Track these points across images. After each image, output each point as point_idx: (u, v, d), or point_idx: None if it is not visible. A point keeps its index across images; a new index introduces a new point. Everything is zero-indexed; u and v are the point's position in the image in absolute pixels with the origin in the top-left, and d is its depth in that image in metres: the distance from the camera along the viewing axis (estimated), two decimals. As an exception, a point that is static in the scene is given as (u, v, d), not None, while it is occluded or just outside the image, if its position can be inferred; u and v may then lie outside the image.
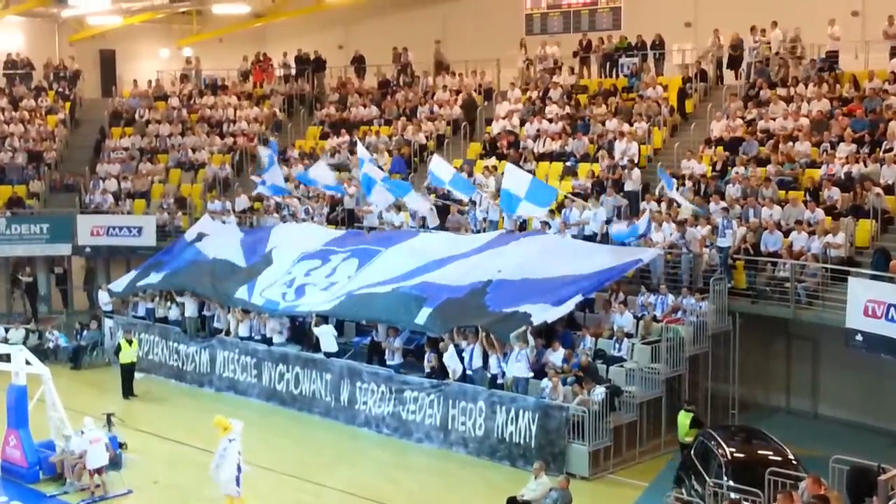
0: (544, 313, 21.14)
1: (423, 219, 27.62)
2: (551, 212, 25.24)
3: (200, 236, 30.04)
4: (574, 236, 24.70)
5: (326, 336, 24.18)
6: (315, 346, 24.58)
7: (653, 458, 20.73)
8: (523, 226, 26.17)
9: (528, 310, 21.31)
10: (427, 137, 32.93)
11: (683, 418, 19.76)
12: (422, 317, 22.34)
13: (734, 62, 30.46)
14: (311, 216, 30.20)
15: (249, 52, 40.79)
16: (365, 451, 22.09)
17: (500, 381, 21.20)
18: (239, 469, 17.50)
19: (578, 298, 21.75)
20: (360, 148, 28.91)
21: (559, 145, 29.77)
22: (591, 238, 24.66)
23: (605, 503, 18.77)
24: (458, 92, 34.88)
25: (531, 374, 20.76)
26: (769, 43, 29.31)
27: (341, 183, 30.17)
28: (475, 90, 34.74)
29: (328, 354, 24.08)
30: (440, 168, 27.12)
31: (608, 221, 24.88)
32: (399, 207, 28.43)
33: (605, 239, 24.50)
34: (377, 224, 28.72)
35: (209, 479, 19.88)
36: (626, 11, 33.45)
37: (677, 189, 24.63)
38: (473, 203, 27.39)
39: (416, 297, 22.92)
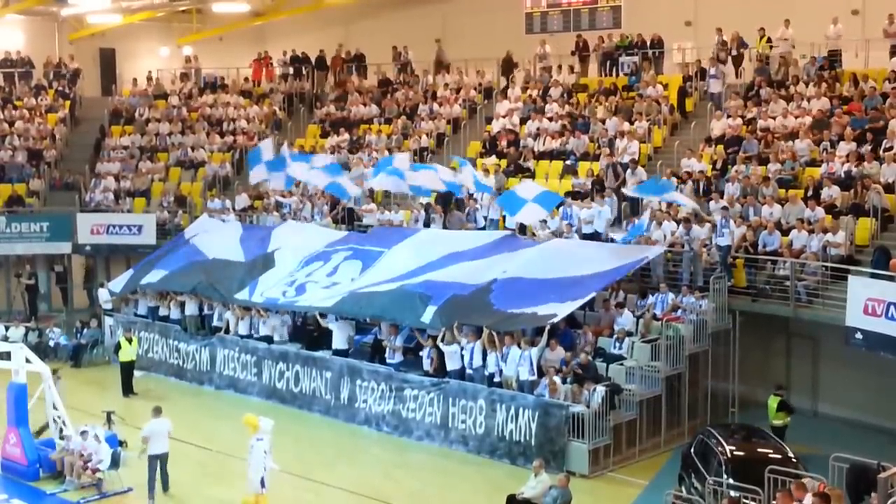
0: (552, 312, 21.10)
1: (425, 216, 27.55)
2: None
3: (199, 233, 30.04)
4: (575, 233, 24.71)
5: (341, 330, 24.10)
6: (317, 342, 24.59)
7: (652, 456, 20.74)
8: (523, 225, 26.14)
9: (536, 310, 21.32)
10: (427, 136, 32.95)
11: (772, 402, 20.19)
12: (427, 315, 22.32)
13: (735, 61, 30.48)
14: (312, 214, 30.16)
15: (249, 51, 40.84)
16: (365, 449, 22.09)
17: (496, 379, 21.18)
18: (265, 468, 17.50)
19: (588, 297, 21.77)
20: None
21: (559, 144, 29.78)
22: (593, 237, 24.64)
23: (605, 501, 18.76)
24: (458, 90, 34.93)
25: (535, 376, 20.75)
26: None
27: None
28: (475, 88, 34.81)
29: (337, 352, 24.06)
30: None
31: (612, 222, 24.90)
32: (399, 205, 28.43)
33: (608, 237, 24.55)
34: (376, 223, 28.64)
35: (209, 476, 20.02)
36: (626, 10, 33.48)
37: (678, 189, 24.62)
38: (474, 200, 27.35)
39: (420, 294, 22.88)
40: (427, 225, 27.28)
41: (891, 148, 23.84)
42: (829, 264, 21.42)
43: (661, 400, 21.08)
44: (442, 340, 21.94)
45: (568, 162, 28.83)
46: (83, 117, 40.14)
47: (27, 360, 20.50)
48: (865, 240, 22.44)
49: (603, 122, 29.62)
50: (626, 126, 28.73)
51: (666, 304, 22.33)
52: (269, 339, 25.63)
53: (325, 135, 35.37)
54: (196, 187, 34.82)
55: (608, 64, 33.01)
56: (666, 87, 30.50)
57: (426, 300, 22.61)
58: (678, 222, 23.78)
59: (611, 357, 21.56)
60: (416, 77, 37.10)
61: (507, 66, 34.61)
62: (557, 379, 20.29)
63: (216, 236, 29.54)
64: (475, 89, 34.82)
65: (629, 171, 26.62)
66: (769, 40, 29.57)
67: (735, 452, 17.03)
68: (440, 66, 36.81)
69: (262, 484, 17.46)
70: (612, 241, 24.02)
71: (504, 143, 30.73)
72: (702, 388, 22.09)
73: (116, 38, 43.36)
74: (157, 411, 19.10)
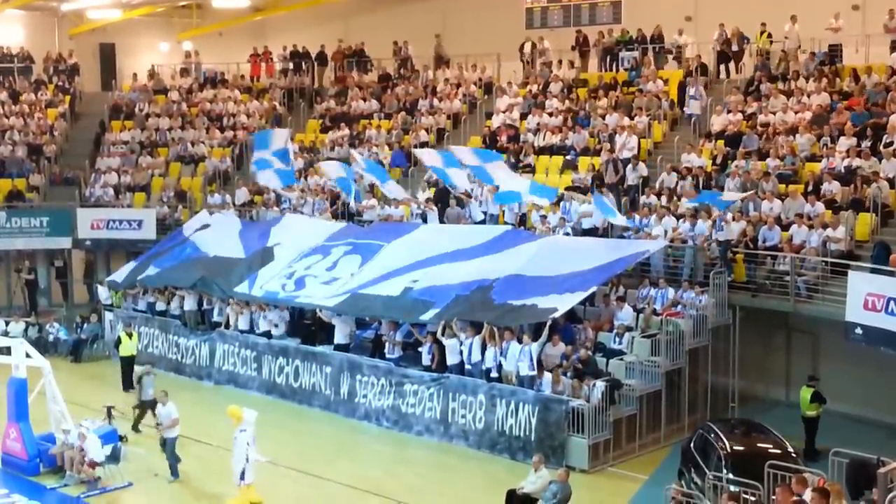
0: (553, 304, 21.08)
1: (423, 213, 27.54)
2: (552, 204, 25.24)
3: (198, 229, 30.04)
4: (574, 229, 24.65)
5: (342, 325, 24.09)
6: (314, 337, 24.57)
7: (652, 450, 20.76)
8: (523, 219, 26.15)
9: (536, 301, 21.30)
10: (427, 131, 32.94)
11: (805, 393, 20.29)
12: (428, 314, 22.33)
13: (735, 56, 30.46)
14: (313, 210, 30.14)
15: (249, 46, 40.83)
16: (365, 444, 22.11)
17: (493, 374, 21.14)
18: (247, 459, 17.55)
19: (589, 291, 21.76)
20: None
21: (559, 139, 29.77)
22: (591, 232, 24.62)
23: (605, 496, 18.76)
24: (458, 85, 34.92)
25: (535, 372, 20.74)
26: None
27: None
28: (475, 84, 34.80)
29: (338, 347, 24.05)
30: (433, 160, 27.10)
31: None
32: (399, 200, 28.40)
33: (607, 233, 24.51)
34: (376, 218, 28.61)
35: (210, 472, 20.03)
36: (627, 5, 33.51)
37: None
38: (471, 197, 27.29)
39: (424, 301, 22.85)
40: (425, 220, 27.25)
41: (891, 143, 23.81)
42: (829, 259, 21.41)
43: (661, 395, 21.08)
44: (442, 334, 21.94)
45: (568, 157, 28.84)
46: (83, 112, 40.13)
47: (27, 356, 20.53)
48: (865, 235, 22.43)
49: (603, 117, 29.62)
50: (626, 121, 28.73)
51: (666, 299, 22.34)
52: (268, 335, 25.64)
53: (325, 130, 35.37)
54: (196, 182, 34.82)
55: (608, 59, 33.03)
56: (666, 82, 30.49)
57: (429, 305, 22.60)
58: (678, 217, 23.77)
59: (611, 352, 21.56)
60: (416, 72, 37.09)
61: (521, 50, 34.61)
62: (558, 375, 20.28)
63: (216, 233, 29.51)
64: (475, 84, 34.80)
65: (629, 166, 26.64)
66: (770, 35, 29.55)
67: (735, 447, 17.01)
68: (440, 62, 36.79)
69: (242, 476, 17.60)
70: (622, 236, 24.03)
71: (504, 138, 30.71)
72: (702, 383, 22.09)
73: (116, 33, 43.38)
74: (166, 395, 20.45)
